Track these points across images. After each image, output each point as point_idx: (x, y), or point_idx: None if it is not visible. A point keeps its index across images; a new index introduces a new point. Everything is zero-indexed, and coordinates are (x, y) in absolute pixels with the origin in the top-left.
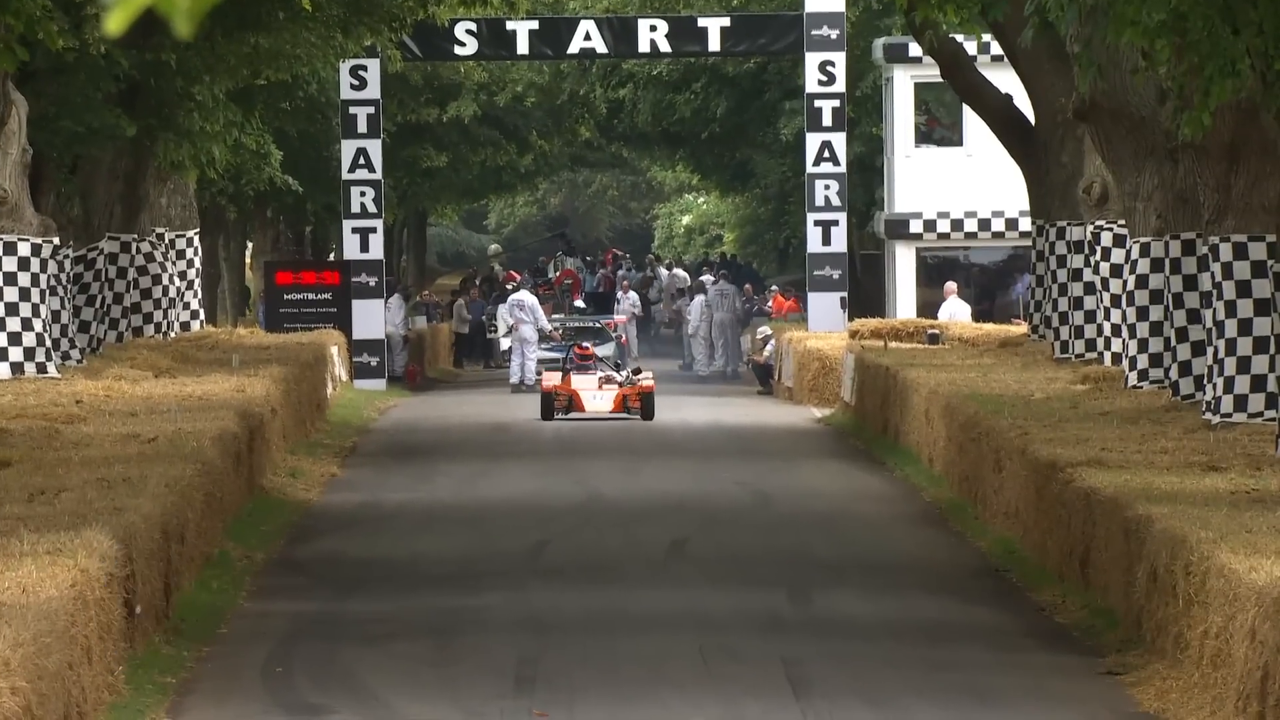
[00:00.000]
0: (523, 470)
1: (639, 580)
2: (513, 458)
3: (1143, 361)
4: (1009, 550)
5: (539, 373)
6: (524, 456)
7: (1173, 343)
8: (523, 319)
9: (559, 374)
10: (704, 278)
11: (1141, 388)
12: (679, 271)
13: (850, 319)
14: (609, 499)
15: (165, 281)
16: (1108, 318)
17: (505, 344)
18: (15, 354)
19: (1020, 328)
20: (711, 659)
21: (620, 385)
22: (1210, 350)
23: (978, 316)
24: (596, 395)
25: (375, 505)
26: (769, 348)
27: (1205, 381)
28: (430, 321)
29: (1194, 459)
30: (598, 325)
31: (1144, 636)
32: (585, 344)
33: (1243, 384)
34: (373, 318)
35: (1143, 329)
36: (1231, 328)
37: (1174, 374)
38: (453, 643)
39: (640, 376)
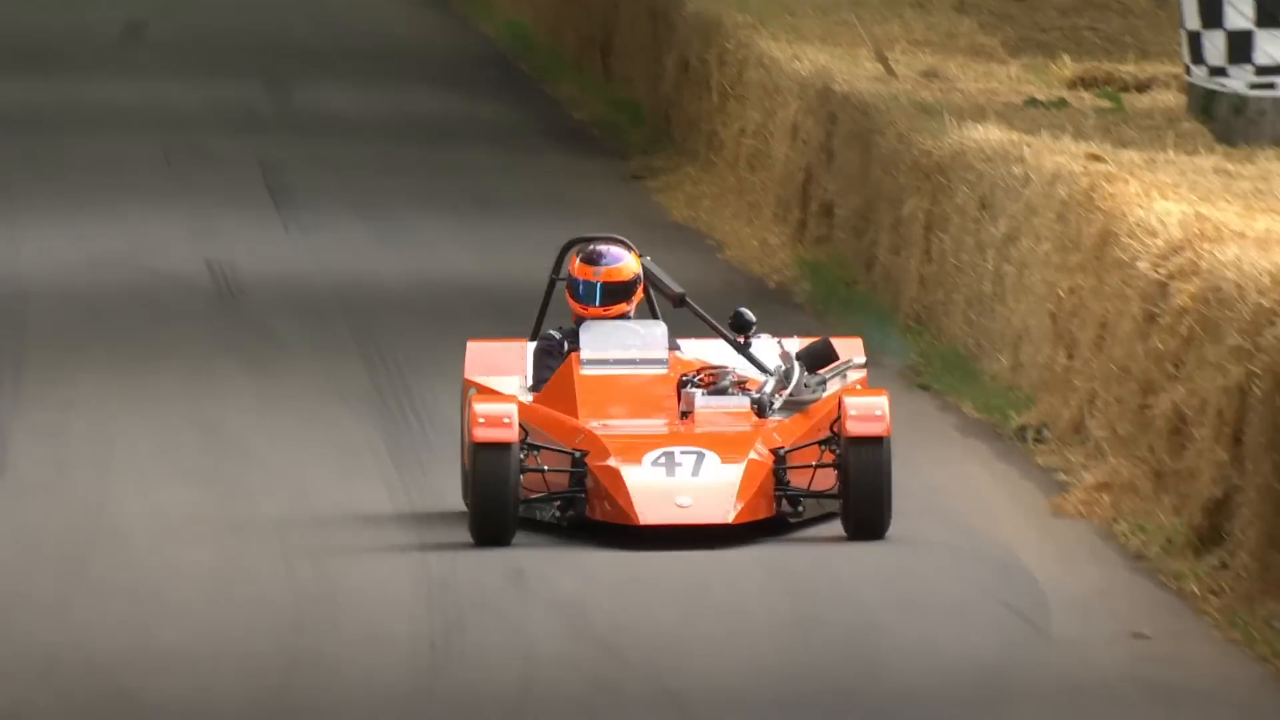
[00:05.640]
0: None
1: (90, 69)
2: None
3: None
4: (520, 36)
5: None
6: None
7: None
8: None
9: (513, 386)
10: None
11: None
12: None
13: None
14: None
15: None
16: None
17: None
18: None
19: None
20: (177, 161)
21: (758, 411)
22: None
23: None
24: (676, 460)
25: None
26: None
27: None
28: None
29: None
30: None
31: (672, 136)
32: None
33: None
34: None
35: None
36: None
37: None
38: None
39: (853, 390)
